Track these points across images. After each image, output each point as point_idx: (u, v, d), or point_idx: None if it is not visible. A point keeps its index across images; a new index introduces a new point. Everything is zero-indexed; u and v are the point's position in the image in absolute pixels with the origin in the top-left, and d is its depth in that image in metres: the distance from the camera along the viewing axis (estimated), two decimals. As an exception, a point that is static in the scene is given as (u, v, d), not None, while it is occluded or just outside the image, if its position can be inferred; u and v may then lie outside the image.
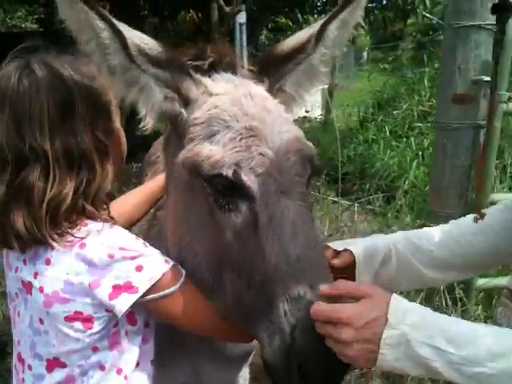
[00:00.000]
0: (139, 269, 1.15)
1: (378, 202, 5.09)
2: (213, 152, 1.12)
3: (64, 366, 1.22)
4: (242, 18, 4.85)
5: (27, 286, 1.22)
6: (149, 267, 1.16)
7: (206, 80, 1.26)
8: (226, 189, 1.12)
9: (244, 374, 1.87)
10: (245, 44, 4.28)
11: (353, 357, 1.01)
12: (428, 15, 7.01)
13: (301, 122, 8.82)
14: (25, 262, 1.22)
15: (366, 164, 6.35)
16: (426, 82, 6.78)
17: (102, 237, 1.18)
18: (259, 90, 1.27)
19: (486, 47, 2.51)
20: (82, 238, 1.17)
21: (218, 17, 8.12)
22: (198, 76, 1.26)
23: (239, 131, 1.14)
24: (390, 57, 11.95)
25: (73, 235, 1.17)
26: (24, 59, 1.21)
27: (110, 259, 1.14)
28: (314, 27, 1.30)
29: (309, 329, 1.02)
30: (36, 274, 1.19)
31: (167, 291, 1.18)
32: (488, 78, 2.44)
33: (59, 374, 1.23)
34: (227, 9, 4.26)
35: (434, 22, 7.26)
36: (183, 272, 1.23)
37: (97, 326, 1.19)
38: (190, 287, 1.23)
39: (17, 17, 18.65)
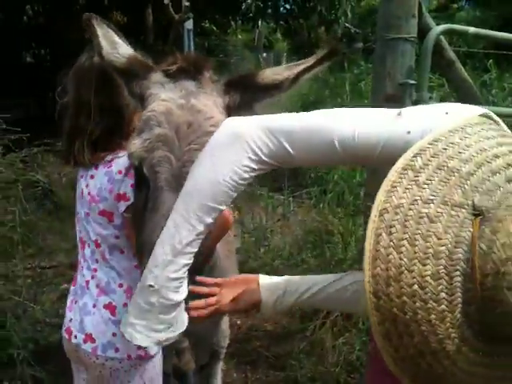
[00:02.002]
0: (132, 186, 1.65)
1: (311, 196, 5.49)
2: (132, 146, 1.39)
3: (99, 246, 1.76)
4: (189, 24, 5.18)
5: (82, 192, 1.79)
6: None
7: (159, 85, 1.47)
8: (139, 175, 1.46)
9: (225, 320, 2.21)
10: (192, 48, 4.60)
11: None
12: (348, 25, 7.67)
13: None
14: (82, 176, 1.81)
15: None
16: (347, 86, 7.39)
17: (119, 161, 1.70)
18: (200, 103, 1.42)
19: (410, 56, 3.03)
20: (109, 162, 1.72)
21: (151, 21, 8.36)
22: (157, 80, 1.48)
23: (154, 135, 1.37)
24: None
25: (103, 159, 1.73)
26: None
27: (119, 175, 1.67)
28: (291, 71, 1.49)
29: None
30: (87, 185, 1.76)
31: None
32: (413, 81, 2.97)
33: (98, 251, 1.76)
34: (176, 16, 4.55)
35: (352, 31, 7.92)
36: None
37: (116, 220, 1.72)
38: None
39: None
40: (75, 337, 1.73)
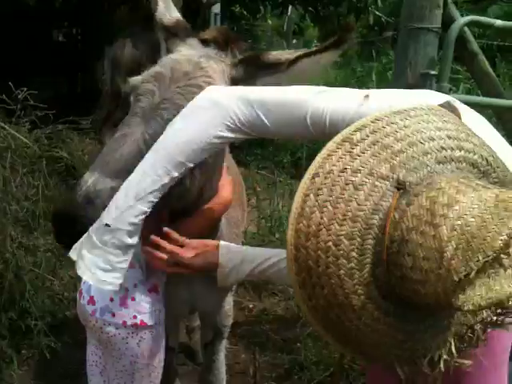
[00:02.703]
0: None
1: None
2: (133, 78, 1.53)
3: None
4: (217, 8, 5.21)
5: None
6: None
7: (187, 45, 1.62)
8: (125, 103, 1.55)
9: (229, 301, 2.24)
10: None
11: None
12: (378, 13, 7.57)
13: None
14: None
15: (318, 150, 6.80)
16: (374, 75, 7.32)
17: None
18: (207, 63, 1.53)
19: (433, 46, 3.01)
20: None
21: (181, 7, 8.34)
22: (190, 43, 1.63)
23: (153, 72, 1.50)
24: (339, 50, 12.42)
25: None
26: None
27: None
28: (293, 54, 1.55)
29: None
30: None
31: None
32: (434, 72, 2.95)
33: None
34: (204, 0, 4.60)
35: (383, 19, 7.82)
36: None
37: None
38: None
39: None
40: (83, 298, 1.79)
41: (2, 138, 2.99)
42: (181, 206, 1.68)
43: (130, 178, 1.35)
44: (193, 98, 1.42)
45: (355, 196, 0.97)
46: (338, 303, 0.98)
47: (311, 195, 1.00)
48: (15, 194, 3.05)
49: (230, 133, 1.35)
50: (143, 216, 1.37)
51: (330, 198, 0.98)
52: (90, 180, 1.35)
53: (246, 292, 3.93)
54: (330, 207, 0.97)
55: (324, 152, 1.03)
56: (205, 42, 1.61)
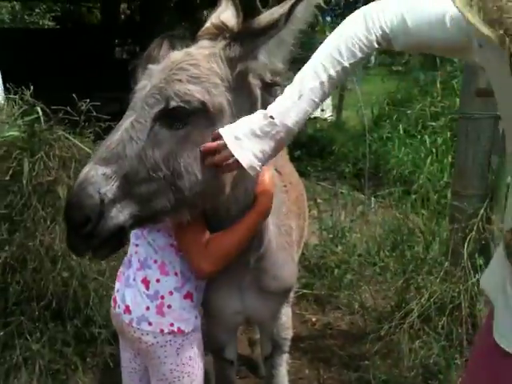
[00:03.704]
0: None
1: (394, 195, 5.30)
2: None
3: None
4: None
5: None
6: None
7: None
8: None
9: (287, 312, 2.17)
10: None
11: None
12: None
13: (313, 121, 9.14)
14: None
15: (381, 161, 6.63)
16: (438, 84, 7.07)
17: None
18: (196, 51, 1.53)
19: (505, 49, 2.84)
20: None
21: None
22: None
23: (149, 70, 1.52)
24: (398, 60, 12.18)
25: None
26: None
27: None
28: (284, 7, 1.48)
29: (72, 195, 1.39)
30: None
31: None
32: (509, 75, 2.78)
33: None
34: (263, 11, 4.58)
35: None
36: None
37: None
38: None
39: (35, 14, 19.26)
40: (118, 306, 1.78)
41: (67, 148, 3.04)
42: (215, 209, 1.64)
43: (295, 79, 1.44)
44: (173, 79, 1.44)
45: None
46: None
47: None
48: (80, 204, 3.10)
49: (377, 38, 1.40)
50: (306, 115, 1.44)
51: None
52: (84, 171, 1.38)
53: (308, 305, 3.84)
54: None
55: None
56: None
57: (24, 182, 2.75)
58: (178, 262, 1.75)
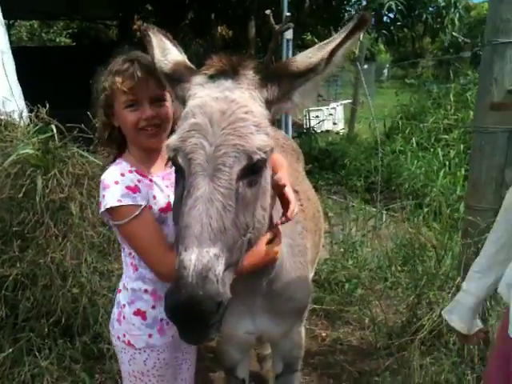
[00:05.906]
0: (103, 196, 1.72)
1: (406, 209, 5.23)
2: (169, 140, 1.40)
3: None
4: (289, 34, 5.22)
5: None
6: (107, 198, 1.71)
7: (198, 86, 1.48)
8: (176, 168, 1.43)
9: (300, 332, 2.15)
10: (291, 58, 4.60)
11: None
12: (455, 34, 7.33)
13: (326, 134, 9.12)
14: None
15: (393, 174, 6.60)
16: (451, 96, 7.05)
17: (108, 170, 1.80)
18: (235, 95, 1.41)
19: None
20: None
21: (254, 33, 8.52)
22: (197, 81, 1.49)
23: (188, 125, 1.37)
24: (411, 73, 12.16)
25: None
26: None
27: (101, 184, 1.75)
28: (323, 50, 1.45)
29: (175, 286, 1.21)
30: None
31: (116, 222, 1.71)
32: (521, 88, 2.76)
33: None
34: (277, 26, 4.60)
35: (460, 40, 7.56)
36: (137, 212, 1.68)
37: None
38: (140, 224, 1.69)
39: (52, 31, 19.65)
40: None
41: (80, 165, 3.07)
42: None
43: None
44: (243, 133, 1.34)
45: None
46: None
47: None
48: (91, 220, 3.11)
49: None
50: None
51: None
52: (193, 258, 1.21)
53: (318, 320, 3.81)
54: None
55: None
56: (210, 77, 1.49)
57: (37, 199, 2.78)
58: (133, 279, 1.83)
